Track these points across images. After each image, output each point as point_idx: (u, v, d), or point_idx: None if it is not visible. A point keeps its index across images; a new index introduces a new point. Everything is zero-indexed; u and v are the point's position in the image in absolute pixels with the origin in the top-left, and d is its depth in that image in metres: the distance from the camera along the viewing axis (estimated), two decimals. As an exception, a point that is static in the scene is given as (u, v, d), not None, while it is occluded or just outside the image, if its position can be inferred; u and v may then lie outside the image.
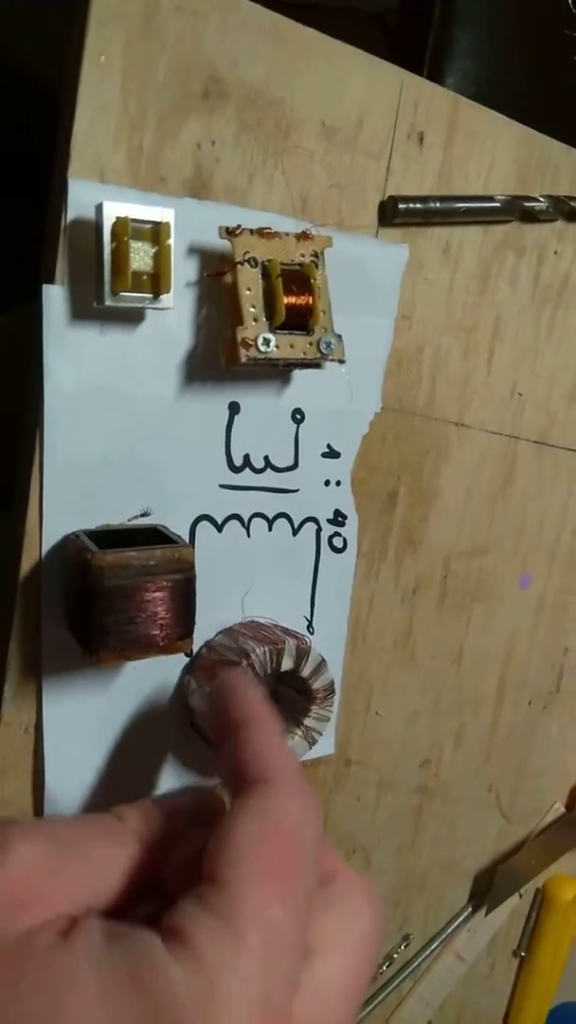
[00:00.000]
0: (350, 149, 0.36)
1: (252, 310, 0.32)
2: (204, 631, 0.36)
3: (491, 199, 0.40)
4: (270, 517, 0.38)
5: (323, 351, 0.33)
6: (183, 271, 0.32)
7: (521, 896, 0.59)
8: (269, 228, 0.32)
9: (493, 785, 0.54)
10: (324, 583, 0.40)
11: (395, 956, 0.52)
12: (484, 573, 0.48)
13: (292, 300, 0.32)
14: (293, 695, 0.38)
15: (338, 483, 0.39)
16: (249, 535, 0.37)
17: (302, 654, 0.36)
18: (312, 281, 0.33)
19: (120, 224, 0.29)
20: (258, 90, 0.33)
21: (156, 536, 0.33)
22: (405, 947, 0.53)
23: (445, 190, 0.39)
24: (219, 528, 0.36)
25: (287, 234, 0.33)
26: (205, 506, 0.35)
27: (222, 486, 0.36)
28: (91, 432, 0.32)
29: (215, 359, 0.33)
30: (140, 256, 0.29)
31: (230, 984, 0.20)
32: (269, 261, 0.32)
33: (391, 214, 0.37)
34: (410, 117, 0.37)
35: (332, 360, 0.34)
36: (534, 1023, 0.62)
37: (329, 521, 0.40)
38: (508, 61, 0.48)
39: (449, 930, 0.55)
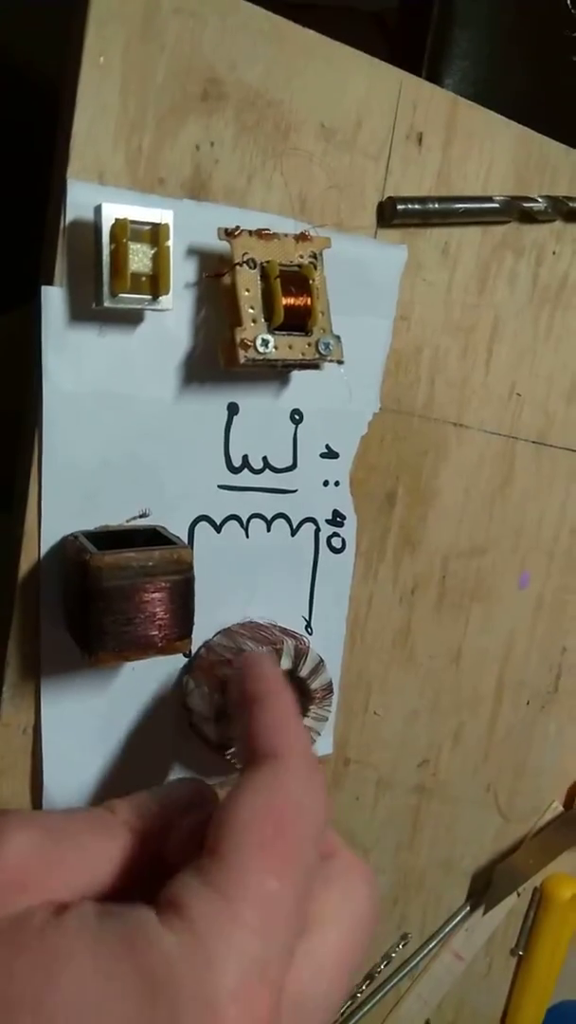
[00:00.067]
0: (349, 150, 0.36)
1: (251, 311, 0.32)
2: (203, 631, 0.36)
3: (490, 200, 0.40)
4: (269, 518, 0.38)
5: (322, 352, 0.33)
6: (182, 272, 0.32)
7: (519, 895, 0.59)
8: (268, 229, 0.32)
9: (491, 784, 0.54)
10: (322, 583, 0.40)
11: (393, 955, 0.53)
12: (482, 573, 0.48)
13: (291, 301, 0.32)
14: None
15: (337, 483, 0.39)
16: (248, 535, 0.37)
17: (300, 654, 0.36)
18: (311, 282, 0.33)
19: (119, 225, 0.29)
20: (257, 91, 0.33)
21: (155, 537, 0.33)
22: (403, 946, 0.53)
23: (444, 191, 0.39)
24: (218, 529, 0.36)
25: (286, 235, 0.33)
26: (204, 507, 0.36)
27: (221, 487, 0.36)
28: (90, 433, 0.32)
29: (214, 360, 0.33)
30: (139, 257, 0.29)
31: (223, 953, 0.20)
32: (268, 262, 0.32)
33: (390, 215, 0.37)
34: (409, 118, 0.37)
35: (331, 361, 0.34)
36: (532, 1022, 0.62)
37: (328, 521, 0.40)
38: (507, 62, 0.48)
39: (447, 929, 0.56)
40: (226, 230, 0.31)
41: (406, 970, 0.54)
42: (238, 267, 0.32)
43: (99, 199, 0.29)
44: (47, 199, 0.30)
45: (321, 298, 0.33)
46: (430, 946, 0.55)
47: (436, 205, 0.38)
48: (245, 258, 0.32)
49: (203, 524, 0.36)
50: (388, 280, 0.39)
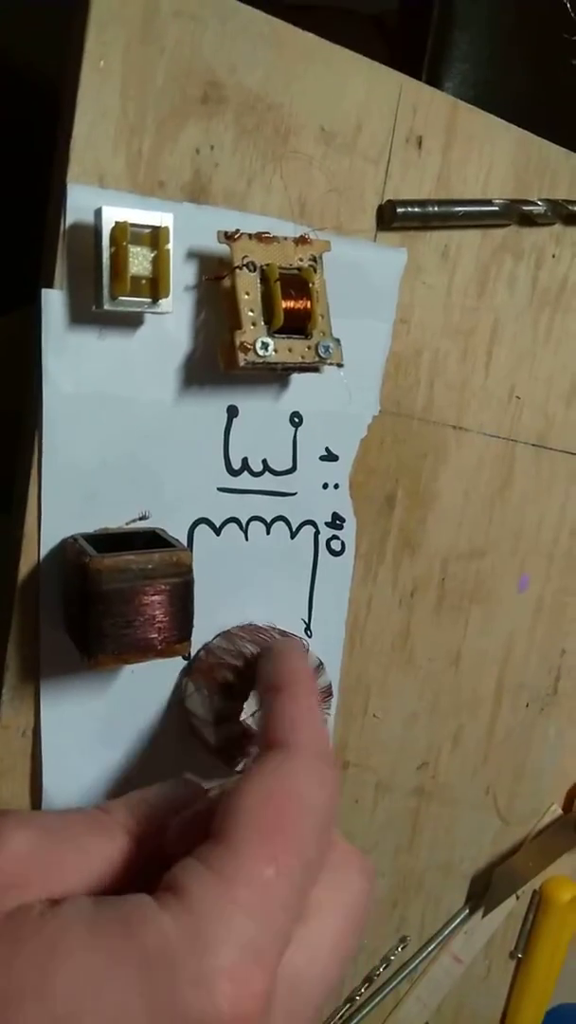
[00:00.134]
0: (349, 153, 0.36)
1: (250, 314, 0.32)
2: (202, 634, 0.36)
3: (489, 203, 0.41)
4: (268, 520, 0.38)
5: (321, 355, 0.34)
6: (182, 275, 0.32)
7: (518, 898, 0.59)
8: (268, 232, 0.32)
9: (491, 787, 0.54)
10: (322, 586, 0.40)
11: (392, 958, 0.53)
12: (482, 575, 0.48)
13: (290, 304, 0.32)
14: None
15: (336, 486, 0.40)
16: (247, 538, 0.37)
17: (300, 657, 0.36)
18: (310, 285, 0.33)
19: (119, 229, 0.29)
20: (257, 95, 0.33)
21: (154, 540, 0.33)
22: (402, 949, 0.53)
23: (443, 194, 0.39)
24: (217, 531, 0.36)
25: (285, 238, 0.33)
26: (203, 509, 0.36)
27: (220, 489, 0.36)
28: (90, 435, 0.32)
29: (213, 363, 0.33)
30: (139, 260, 0.29)
31: (219, 933, 0.20)
32: (267, 265, 0.32)
33: (389, 218, 0.37)
34: (409, 121, 0.37)
35: (330, 364, 0.34)
36: (531, 1024, 0.62)
37: (327, 524, 0.40)
38: (507, 64, 0.48)
39: (446, 932, 0.56)
40: (226, 233, 0.32)
41: (405, 973, 0.54)
42: (238, 270, 0.32)
43: (99, 202, 0.29)
44: (47, 200, 0.30)
45: (321, 301, 0.34)
46: (429, 949, 0.55)
47: (436, 208, 0.38)
48: (245, 261, 0.32)
49: (202, 526, 0.36)
50: (388, 283, 0.39)
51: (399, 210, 0.37)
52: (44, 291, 0.30)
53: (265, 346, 0.32)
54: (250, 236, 0.32)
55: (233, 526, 0.37)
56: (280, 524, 0.38)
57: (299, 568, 0.39)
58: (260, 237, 0.32)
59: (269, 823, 0.23)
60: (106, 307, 0.29)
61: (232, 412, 0.35)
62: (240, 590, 0.38)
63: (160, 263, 0.29)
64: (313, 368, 0.34)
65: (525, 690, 0.54)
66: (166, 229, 0.29)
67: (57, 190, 0.30)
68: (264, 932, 0.21)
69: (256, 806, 0.23)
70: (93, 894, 0.23)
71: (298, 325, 0.33)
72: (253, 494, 0.37)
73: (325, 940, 0.24)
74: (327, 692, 0.38)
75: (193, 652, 0.36)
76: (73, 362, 0.31)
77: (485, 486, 0.46)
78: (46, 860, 0.23)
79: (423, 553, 0.45)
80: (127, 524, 0.33)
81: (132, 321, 0.32)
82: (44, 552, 0.32)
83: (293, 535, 0.39)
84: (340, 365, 0.34)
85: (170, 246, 0.30)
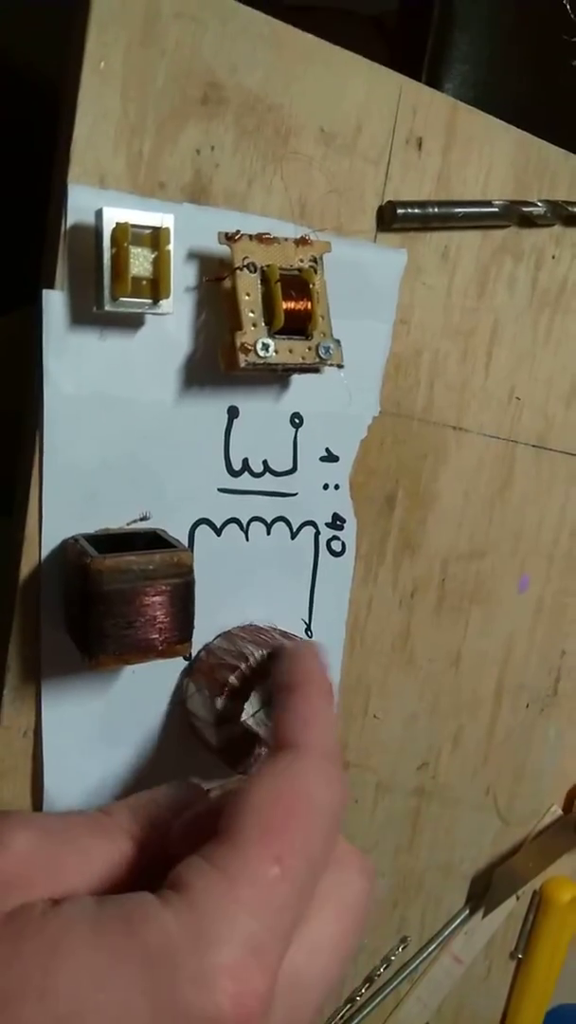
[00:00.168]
0: (349, 154, 0.36)
1: (251, 315, 0.32)
2: (203, 634, 0.36)
3: (489, 204, 0.41)
4: (268, 521, 0.38)
5: (322, 356, 0.34)
6: (182, 276, 0.32)
7: (518, 898, 0.59)
8: (268, 233, 0.32)
9: (491, 788, 0.54)
10: (322, 586, 0.40)
11: (392, 958, 0.53)
12: (482, 576, 0.48)
13: (291, 305, 0.32)
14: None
15: (336, 487, 0.40)
16: (248, 539, 0.37)
17: (300, 658, 0.36)
18: (311, 286, 0.33)
19: (120, 230, 0.29)
20: (257, 96, 0.33)
21: (155, 540, 0.33)
22: (402, 949, 0.53)
23: (443, 195, 0.39)
24: (218, 532, 0.36)
25: (286, 239, 0.33)
26: (204, 510, 0.36)
27: (221, 490, 0.36)
28: (91, 436, 0.32)
29: (214, 364, 0.33)
30: (140, 261, 0.29)
31: (221, 929, 0.20)
32: (268, 266, 0.32)
33: (389, 219, 0.37)
34: (409, 122, 0.37)
35: (331, 365, 0.34)
36: (531, 1025, 0.62)
37: (327, 525, 0.40)
38: (507, 65, 0.48)
39: (446, 932, 0.56)
40: (226, 234, 0.32)
41: (405, 973, 0.54)
42: (238, 271, 0.32)
43: (100, 203, 0.29)
44: (47, 200, 0.30)
45: (321, 302, 0.34)
46: (429, 949, 0.55)
47: (436, 209, 0.38)
48: (245, 262, 0.32)
49: (203, 527, 0.36)
50: (388, 284, 0.39)
51: (399, 211, 0.37)
52: (45, 292, 0.30)
53: (266, 347, 0.32)
54: (251, 237, 0.32)
55: (234, 527, 0.37)
56: (280, 525, 0.38)
57: (299, 569, 0.39)
58: (261, 238, 0.32)
59: (275, 823, 0.23)
60: (107, 308, 0.29)
61: (233, 413, 0.35)
62: (241, 591, 0.38)
63: (161, 264, 0.29)
64: (313, 369, 0.34)
65: (525, 691, 0.54)
66: (167, 230, 0.30)
67: (58, 191, 0.30)
68: (266, 931, 0.21)
69: (263, 805, 0.23)
70: (95, 895, 0.23)
71: (298, 326, 0.33)
72: (254, 495, 0.37)
73: (325, 939, 0.24)
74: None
75: (194, 652, 0.36)
76: (74, 363, 0.31)
77: (485, 487, 0.46)
78: (48, 861, 0.23)
79: (423, 554, 0.45)
80: (128, 525, 0.33)
81: (133, 322, 0.32)
82: (45, 553, 0.32)
83: (293, 536, 0.39)
84: (340, 366, 0.34)
85: (171, 247, 0.30)
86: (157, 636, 0.31)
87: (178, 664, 0.36)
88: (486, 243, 0.42)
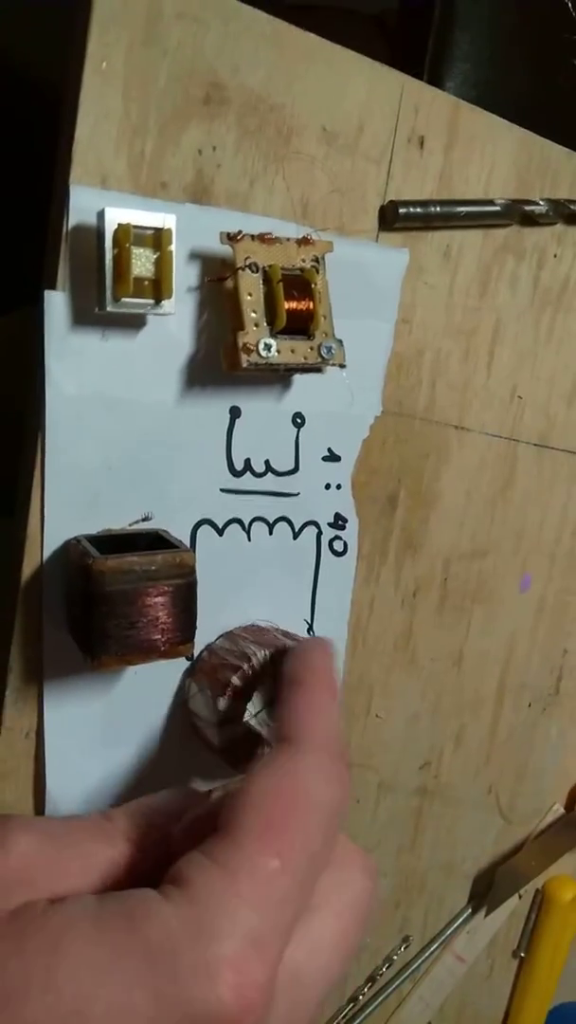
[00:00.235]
0: (351, 154, 0.36)
1: (253, 315, 0.32)
2: (205, 635, 0.36)
3: (491, 203, 0.41)
4: (271, 521, 0.38)
5: (324, 356, 0.33)
6: (184, 276, 0.32)
7: (520, 897, 0.59)
8: (270, 233, 0.32)
9: (493, 787, 0.54)
10: (325, 586, 0.40)
11: (395, 957, 0.53)
12: (484, 575, 0.48)
13: (293, 305, 0.32)
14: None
15: (339, 487, 0.40)
16: (250, 539, 0.37)
17: (303, 658, 0.36)
18: (313, 286, 0.33)
19: (122, 230, 0.29)
20: (259, 96, 0.33)
21: (157, 541, 0.33)
22: (405, 948, 0.53)
23: (445, 194, 0.39)
24: (220, 532, 0.36)
25: (288, 239, 0.33)
26: (206, 510, 0.36)
27: (223, 490, 0.36)
28: (93, 437, 0.32)
29: (216, 364, 0.33)
30: (142, 262, 0.29)
31: (222, 923, 0.21)
32: (270, 266, 0.32)
33: (391, 218, 0.37)
34: (410, 121, 0.37)
35: (333, 365, 0.34)
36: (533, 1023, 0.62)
37: (330, 525, 0.40)
38: (509, 64, 0.48)
39: (449, 931, 0.56)
40: (228, 234, 0.32)
41: (408, 972, 0.54)
42: (240, 271, 0.32)
43: (102, 204, 0.29)
44: (48, 199, 0.30)
45: (323, 302, 0.34)
46: (432, 948, 0.55)
47: (437, 208, 0.38)
48: (247, 262, 0.32)
49: (205, 527, 0.36)
50: (390, 283, 0.39)
51: (401, 210, 0.37)
52: (47, 292, 0.30)
53: (268, 347, 0.32)
54: (252, 237, 0.32)
55: (236, 527, 0.37)
56: (283, 525, 0.38)
57: (302, 569, 0.39)
58: (262, 238, 0.32)
59: (275, 817, 0.23)
60: (109, 309, 0.29)
61: (235, 413, 0.35)
62: (243, 591, 0.38)
63: (163, 264, 0.29)
64: (315, 369, 0.34)
65: (527, 690, 0.54)
66: (169, 230, 0.29)
67: (59, 191, 0.30)
68: (266, 924, 0.21)
69: (262, 800, 0.23)
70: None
71: (300, 326, 0.33)
72: (256, 495, 0.37)
73: (327, 936, 0.24)
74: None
75: (196, 653, 0.36)
76: (76, 363, 0.31)
77: (487, 486, 0.46)
78: (49, 863, 0.23)
79: (425, 553, 0.45)
80: (130, 525, 0.33)
81: (135, 322, 0.32)
82: (47, 553, 0.32)
83: (296, 536, 0.39)
84: (342, 366, 0.34)
85: (173, 247, 0.30)
86: (159, 637, 0.31)
87: (180, 664, 0.36)
88: (488, 242, 0.42)
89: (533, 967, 0.61)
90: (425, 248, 0.40)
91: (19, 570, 0.32)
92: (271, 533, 0.38)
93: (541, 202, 0.42)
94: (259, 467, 0.37)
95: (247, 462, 0.36)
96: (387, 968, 0.52)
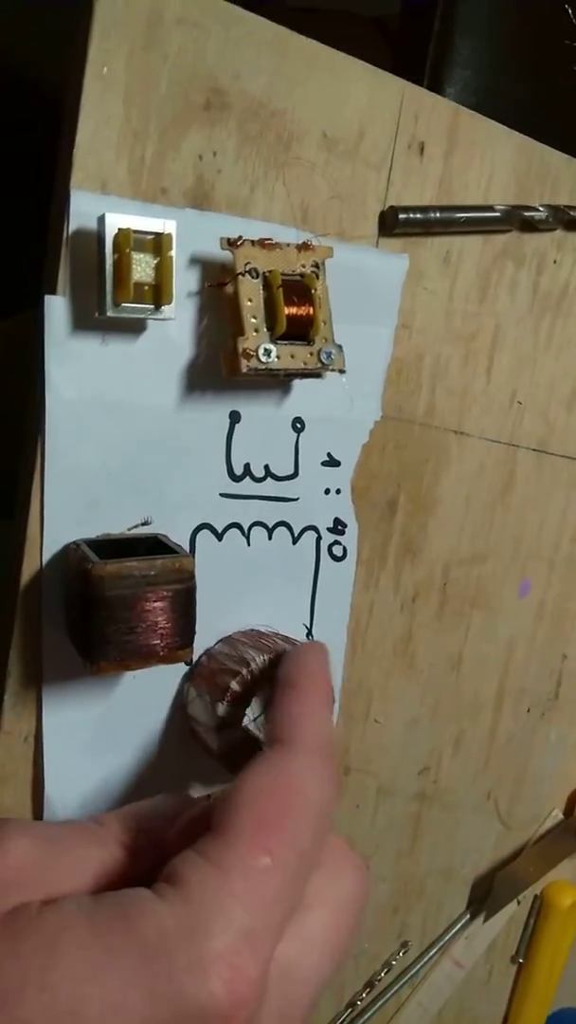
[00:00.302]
0: (351, 160, 0.36)
1: (253, 320, 0.32)
2: (204, 639, 0.36)
3: (491, 209, 0.41)
4: (270, 526, 0.38)
5: (323, 361, 0.34)
6: (184, 282, 0.32)
7: (519, 902, 0.59)
8: (270, 239, 0.32)
9: (492, 792, 0.54)
10: (324, 591, 0.40)
11: (393, 963, 0.52)
12: (483, 580, 0.48)
13: (293, 311, 0.32)
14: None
15: (338, 491, 0.40)
16: (249, 543, 0.37)
17: (302, 663, 0.36)
18: (313, 292, 0.33)
19: (122, 235, 0.29)
20: (260, 101, 0.33)
21: (157, 545, 0.33)
22: (403, 954, 0.53)
23: (445, 200, 0.39)
24: (219, 537, 0.36)
25: (288, 245, 0.33)
26: (205, 515, 0.36)
27: (222, 495, 0.36)
28: (92, 441, 0.32)
29: (216, 369, 0.33)
30: (142, 267, 0.29)
31: (214, 919, 0.21)
32: (270, 272, 0.32)
33: (391, 224, 0.37)
34: (411, 128, 0.37)
35: (332, 370, 0.34)
36: (532, 1029, 0.62)
37: (329, 529, 0.40)
38: (509, 70, 0.48)
39: (447, 937, 0.56)
40: (228, 240, 0.32)
41: (406, 978, 0.54)
42: (240, 277, 0.32)
43: (102, 209, 0.29)
44: (49, 202, 0.30)
45: (323, 307, 0.34)
46: (430, 954, 0.55)
47: (437, 214, 0.38)
48: (247, 268, 0.32)
49: (205, 532, 0.36)
50: (390, 289, 0.39)
51: (401, 216, 0.37)
52: (47, 297, 0.30)
53: (268, 352, 0.32)
54: (253, 242, 0.32)
55: (235, 531, 0.37)
56: (282, 529, 0.38)
57: (301, 573, 0.39)
58: (263, 243, 0.32)
59: (267, 816, 0.23)
60: (109, 313, 0.29)
61: (234, 418, 0.35)
62: (242, 596, 0.38)
63: (163, 270, 0.29)
64: (315, 374, 0.34)
65: (526, 695, 0.54)
66: (169, 236, 0.30)
67: (60, 196, 0.30)
68: (258, 921, 0.21)
69: (254, 800, 0.24)
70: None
71: (300, 331, 0.33)
72: (255, 499, 0.37)
73: (318, 934, 0.24)
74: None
75: (195, 657, 0.36)
76: (76, 368, 0.31)
77: (486, 491, 0.46)
78: (44, 867, 0.23)
79: (424, 558, 0.45)
80: (129, 530, 0.33)
81: (135, 327, 0.32)
82: (47, 557, 0.32)
83: (295, 540, 0.39)
84: (342, 371, 0.34)
85: (173, 253, 0.30)
86: (158, 641, 0.31)
87: (179, 669, 0.36)
88: (487, 248, 0.42)
89: (532, 972, 0.61)
90: (425, 254, 0.40)
91: (18, 574, 0.32)
92: (270, 538, 0.38)
93: (541, 208, 0.42)
94: (259, 472, 0.37)
95: (247, 467, 0.36)
96: (385, 973, 0.52)
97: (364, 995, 0.52)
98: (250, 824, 0.23)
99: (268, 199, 0.34)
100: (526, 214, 0.42)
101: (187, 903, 0.21)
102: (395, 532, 0.43)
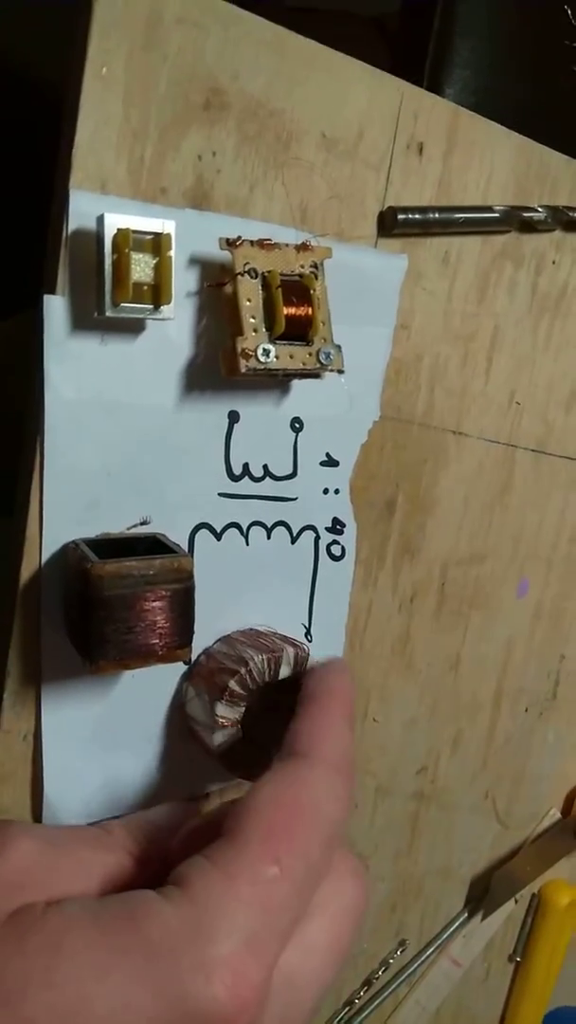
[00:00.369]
0: (350, 160, 0.36)
1: (252, 320, 0.32)
2: (203, 639, 0.36)
3: (490, 209, 0.41)
4: (269, 525, 0.38)
5: (322, 361, 0.34)
6: (183, 282, 0.32)
7: (517, 901, 0.59)
8: (269, 239, 0.33)
9: (490, 791, 0.54)
10: (322, 591, 0.40)
11: (391, 961, 0.53)
12: (481, 581, 0.48)
13: (292, 311, 0.32)
14: (292, 703, 0.38)
15: (337, 491, 0.40)
16: (248, 543, 0.37)
17: (300, 661, 0.36)
18: (312, 292, 0.33)
19: (121, 235, 0.29)
20: (259, 101, 0.33)
21: (155, 545, 0.33)
22: (401, 952, 0.53)
23: (444, 200, 0.39)
24: (218, 536, 0.36)
25: (287, 245, 0.33)
26: (204, 514, 0.36)
27: (221, 495, 0.36)
28: (91, 441, 0.32)
29: (215, 369, 0.33)
30: (141, 267, 0.29)
31: (219, 923, 0.21)
32: (269, 272, 0.32)
33: (390, 224, 0.37)
34: (410, 128, 0.37)
35: (331, 370, 0.34)
36: (529, 1028, 0.62)
37: (327, 529, 0.40)
38: (508, 71, 0.48)
39: (445, 935, 0.56)
40: (227, 240, 0.32)
41: (404, 976, 0.54)
42: (239, 277, 0.32)
43: (101, 209, 0.29)
44: (49, 202, 0.30)
45: (322, 308, 0.34)
46: (428, 952, 0.55)
47: (436, 215, 0.38)
48: (246, 268, 0.32)
49: (203, 532, 0.36)
50: (388, 289, 0.39)
51: (400, 216, 0.37)
52: (46, 297, 0.30)
53: (266, 352, 0.32)
54: (252, 243, 0.32)
55: (234, 531, 0.37)
56: (281, 529, 0.38)
57: (300, 573, 0.39)
58: (262, 244, 0.32)
59: (277, 826, 0.23)
60: (108, 313, 0.29)
61: (233, 418, 0.35)
62: (241, 595, 0.38)
63: (162, 270, 0.30)
64: (314, 374, 0.34)
65: (524, 695, 0.54)
66: (168, 236, 0.30)
67: (59, 196, 0.30)
68: (263, 927, 0.22)
69: (267, 809, 0.24)
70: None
71: (299, 331, 0.33)
72: (254, 499, 0.37)
73: (321, 941, 0.25)
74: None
75: (194, 657, 0.36)
76: (75, 368, 0.31)
77: (485, 491, 0.46)
78: (49, 869, 0.23)
79: (423, 558, 0.45)
80: (128, 529, 0.34)
81: (134, 327, 0.32)
82: (46, 557, 0.32)
83: (294, 540, 0.39)
84: (341, 371, 0.34)
85: (172, 253, 0.30)
86: (157, 641, 0.31)
87: (178, 668, 0.36)
88: (486, 248, 0.42)
89: (529, 971, 0.61)
90: (424, 254, 0.40)
91: (17, 573, 0.32)
92: (269, 537, 0.38)
93: (540, 209, 0.42)
94: (257, 471, 0.37)
95: (245, 466, 0.36)
96: (383, 972, 0.52)
97: (362, 993, 0.52)
98: (260, 832, 0.23)
99: (267, 199, 0.34)
100: (525, 215, 0.42)
101: (193, 905, 0.21)
102: (393, 532, 0.43)
